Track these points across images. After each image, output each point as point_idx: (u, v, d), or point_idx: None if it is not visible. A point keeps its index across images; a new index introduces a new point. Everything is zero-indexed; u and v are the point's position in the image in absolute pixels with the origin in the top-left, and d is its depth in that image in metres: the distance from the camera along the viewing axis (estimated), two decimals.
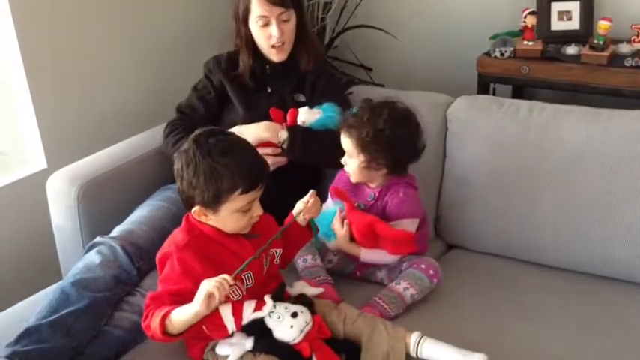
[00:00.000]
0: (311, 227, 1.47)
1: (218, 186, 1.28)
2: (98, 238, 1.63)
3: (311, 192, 1.44)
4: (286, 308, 1.33)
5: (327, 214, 1.56)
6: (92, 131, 2.18)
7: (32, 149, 2.11)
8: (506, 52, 2.23)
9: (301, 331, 1.31)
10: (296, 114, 1.73)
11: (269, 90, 1.86)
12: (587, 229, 1.68)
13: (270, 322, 1.31)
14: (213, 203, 1.30)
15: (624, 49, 2.13)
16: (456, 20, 2.59)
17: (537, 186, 1.72)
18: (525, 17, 2.24)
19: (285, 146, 1.72)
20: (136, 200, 1.80)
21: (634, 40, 2.16)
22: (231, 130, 1.73)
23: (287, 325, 1.31)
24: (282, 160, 1.73)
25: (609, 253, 1.66)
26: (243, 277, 1.34)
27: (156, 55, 2.40)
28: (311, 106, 1.75)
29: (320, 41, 2.64)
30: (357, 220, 1.53)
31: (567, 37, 2.24)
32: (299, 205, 1.43)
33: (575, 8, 2.25)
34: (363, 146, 1.52)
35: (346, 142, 1.56)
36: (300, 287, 1.45)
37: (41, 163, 2.10)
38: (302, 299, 1.39)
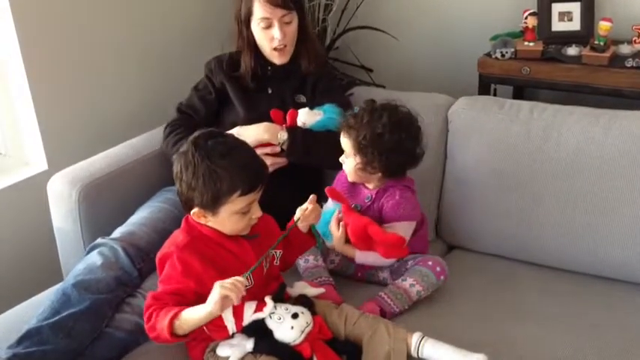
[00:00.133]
0: (313, 234, 1.48)
1: (217, 188, 1.28)
2: (99, 240, 1.63)
3: (311, 198, 1.44)
4: (287, 309, 1.33)
5: (326, 214, 1.57)
6: (93, 133, 2.18)
7: (33, 151, 2.11)
8: (507, 52, 2.23)
9: (302, 332, 1.31)
10: (295, 115, 1.73)
11: (270, 91, 1.86)
12: (589, 229, 1.67)
13: (271, 324, 1.31)
14: (213, 205, 1.30)
15: (625, 49, 2.13)
16: (456, 21, 2.59)
17: (538, 187, 1.72)
18: (526, 18, 2.23)
19: (285, 147, 1.72)
20: (137, 202, 1.80)
21: (635, 40, 2.16)
22: (231, 131, 1.73)
23: (288, 326, 1.31)
24: (281, 161, 1.73)
25: (610, 253, 1.66)
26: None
27: (157, 57, 2.40)
28: (312, 108, 1.75)
29: (321, 43, 2.64)
30: (352, 221, 1.53)
31: (568, 38, 2.24)
32: (299, 212, 1.43)
33: (575, 9, 2.25)
34: (359, 148, 1.52)
35: (345, 141, 1.56)
36: (301, 288, 1.45)
37: (42, 165, 2.10)
38: (303, 300, 1.39)
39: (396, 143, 1.51)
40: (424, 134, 1.80)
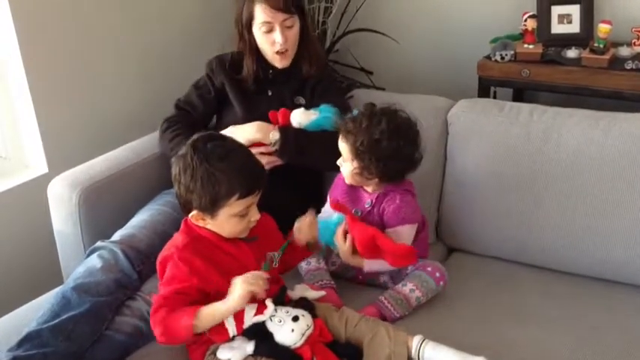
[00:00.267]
0: (308, 246, 1.47)
1: (215, 191, 1.28)
2: (99, 243, 1.63)
3: (308, 212, 1.44)
4: (287, 312, 1.33)
5: (330, 224, 1.56)
6: (93, 135, 2.18)
7: (33, 153, 2.11)
8: (506, 55, 2.23)
9: (302, 334, 1.31)
10: (288, 114, 1.73)
11: (270, 93, 1.86)
12: (589, 231, 1.67)
13: (272, 326, 1.31)
14: (211, 208, 1.30)
15: (625, 52, 2.14)
16: (456, 24, 2.59)
17: (538, 189, 1.72)
18: (526, 20, 2.24)
19: (277, 147, 1.71)
20: (137, 204, 1.80)
21: (634, 43, 2.16)
22: (224, 130, 1.74)
23: (288, 329, 1.31)
24: (276, 160, 1.72)
25: (611, 255, 1.66)
26: None
27: (157, 60, 2.40)
28: (308, 108, 1.75)
29: (321, 45, 2.64)
30: (358, 232, 1.53)
31: (568, 40, 2.24)
32: (298, 226, 1.44)
33: (575, 11, 2.26)
34: (357, 154, 1.52)
35: (342, 146, 1.56)
36: (302, 291, 1.45)
37: (42, 168, 2.10)
38: (303, 303, 1.39)
39: (394, 150, 1.50)
40: (423, 137, 1.80)
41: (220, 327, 1.30)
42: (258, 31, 1.76)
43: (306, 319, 1.33)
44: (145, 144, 1.95)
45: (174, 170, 1.33)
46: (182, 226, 1.39)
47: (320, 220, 1.55)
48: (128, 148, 1.93)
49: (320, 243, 1.56)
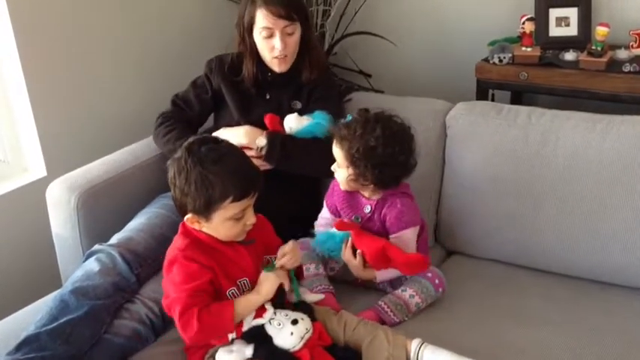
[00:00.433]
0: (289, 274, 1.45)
1: (209, 194, 1.28)
2: (97, 246, 1.63)
3: (290, 243, 1.42)
4: (287, 315, 1.33)
5: (335, 236, 1.56)
6: (92, 139, 2.18)
7: (32, 157, 2.11)
8: (504, 58, 2.23)
9: (302, 338, 1.31)
10: (275, 120, 1.73)
11: (268, 97, 1.86)
12: (588, 234, 1.68)
13: (271, 330, 1.31)
14: (205, 211, 1.31)
15: (622, 54, 2.14)
16: (454, 26, 2.60)
17: (537, 191, 1.72)
18: (523, 23, 2.24)
19: (263, 152, 1.71)
20: (136, 208, 1.80)
21: (632, 45, 2.16)
22: (216, 132, 1.74)
23: (287, 332, 1.31)
24: (263, 165, 1.72)
25: (609, 258, 1.66)
26: (239, 283, 1.34)
27: (155, 63, 2.40)
28: (303, 113, 1.75)
29: (323, 51, 2.64)
30: (367, 246, 1.53)
31: (565, 43, 2.24)
32: (279, 254, 1.42)
33: (573, 14, 2.26)
34: (352, 161, 1.51)
35: (337, 152, 1.55)
36: (300, 294, 1.45)
37: (41, 171, 2.10)
38: (302, 306, 1.39)
39: (389, 157, 1.50)
40: (422, 140, 1.80)
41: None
42: (258, 35, 1.76)
43: (305, 323, 1.33)
44: (144, 147, 1.95)
45: (170, 173, 1.34)
46: (180, 228, 1.39)
47: (322, 233, 1.55)
48: (126, 152, 1.93)
49: (320, 253, 1.57)
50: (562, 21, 2.27)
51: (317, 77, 1.85)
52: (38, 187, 1.92)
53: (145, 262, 1.60)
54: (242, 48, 1.83)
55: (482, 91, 2.31)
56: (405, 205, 1.58)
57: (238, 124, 1.80)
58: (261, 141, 1.70)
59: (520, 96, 2.45)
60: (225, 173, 1.29)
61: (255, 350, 1.29)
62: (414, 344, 1.36)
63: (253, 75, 1.82)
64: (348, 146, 1.51)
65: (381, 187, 1.56)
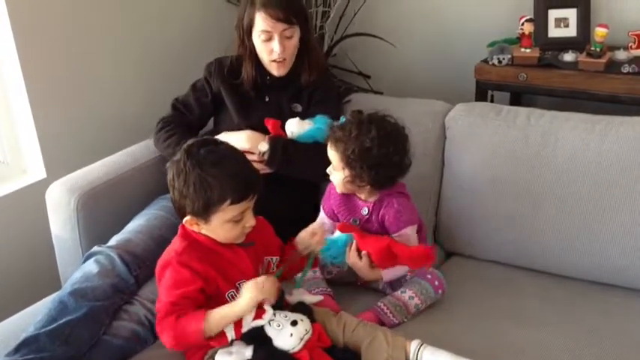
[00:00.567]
0: (307, 261, 1.47)
1: (207, 196, 1.28)
2: (96, 248, 1.63)
3: (317, 225, 1.44)
4: (286, 316, 1.33)
5: (337, 241, 1.55)
6: (91, 141, 2.18)
7: (31, 159, 2.11)
8: (503, 59, 2.23)
9: (301, 339, 1.31)
10: (277, 125, 1.73)
11: (267, 99, 1.86)
12: (587, 235, 1.68)
13: (270, 331, 1.31)
14: (204, 213, 1.31)
15: (621, 55, 2.14)
16: (453, 27, 2.60)
17: (536, 193, 1.72)
18: (523, 24, 2.24)
19: (265, 157, 1.71)
20: (135, 209, 1.80)
21: (631, 46, 2.17)
22: (216, 137, 1.74)
23: (287, 333, 1.31)
24: (265, 169, 1.72)
25: (608, 259, 1.66)
26: (238, 286, 1.34)
27: (155, 65, 2.40)
28: (304, 118, 1.75)
29: (323, 54, 2.65)
30: (372, 246, 1.53)
31: (564, 44, 2.24)
32: (305, 237, 1.44)
33: (572, 15, 2.26)
34: (348, 162, 1.51)
35: (332, 154, 1.55)
36: (300, 295, 1.45)
37: (40, 173, 2.10)
38: (301, 308, 1.39)
39: (385, 157, 1.50)
40: (422, 140, 1.82)
41: (219, 331, 1.30)
42: (257, 38, 1.76)
43: (304, 324, 1.33)
44: (143, 149, 1.96)
45: (169, 175, 1.34)
46: (179, 230, 1.39)
47: (327, 238, 1.53)
48: (126, 154, 1.93)
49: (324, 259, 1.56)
50: (561, 22, 2.27)
51: (316, 79, 1.84)
52: (38, 189, 1.92)
53: (143, 264, 1.60)
54: (241, 50, 1.82)
55: (482, 92, 2.31)
56: (402, 204, 1.58)
57: (238, 126, 1.80)
58: (263, 146, 1.71)
59: (519, 97, 2.45)
60: (224, 176, 1.28)
61: (255, 351, 1.29)
62: (413, 345, 1.36)
63: (252, 78, 1.82)
64: (343, 148, 1.51)
65: (378, 187, 1.57)
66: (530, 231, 1.74)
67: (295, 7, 1.75)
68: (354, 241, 1.55)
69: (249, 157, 1.67)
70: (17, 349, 1.41)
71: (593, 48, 2.13)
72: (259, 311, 1.32)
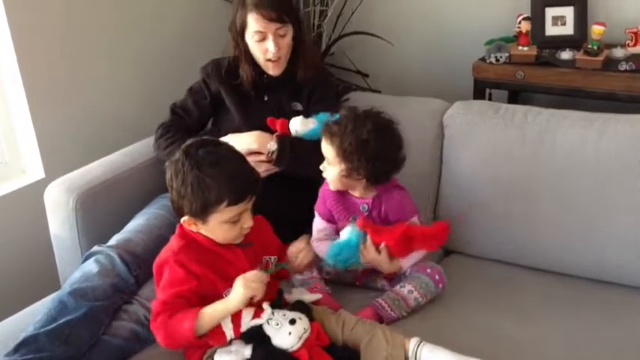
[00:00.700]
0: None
1: (205, 197, 1.28)
2: (95, 247, 1.63)
3: (304, 237, 1.44)
4: (284, 315, 1.33)
5: (349, 242, 1.53)
6: (90, 140, 2.18)
7: (30, 159, 2.11)
8: (501, 57, 2.24)
9: (300, 337, 1.31)
10: (286, 124, 1.73)
11: (266, 99, 1.86)
12: (586, 233, 1.68)
13: (269, 330, 1.31)
14: (202, 214, 1.31)
15: (618, 53, 2.15)
16: (451, 26, 2.60)
17: (534, 190, 1.73)
18: (520, 23, 2.24)
19: (274, 157, 1.72)
20: (134, 209, 1.80)
21: (628, 44, 2.17)
22: (223, 138, 1.74)
23: (285, 332, 1.31)
24: (273, 168, 1.73)
25: (608, 257, 1.66)
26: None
27: (153, 65, 2.40)
28: (306, 116, 1.76)
29: (318, 51, 2.65)
30: (389, 236, 1.52)
31: (562, 42, 2.25)
32: (293, 252, 1.44)
33: (569, 13, 2.26)
34: (345, 156, 1.52)
35: (327, 149, 1.55)
36: (298, 294, 1.45)
37: (39, 173, 2.10)
38: (300, 306, 1.39)
39: (381, 150, 1.51)
40: (420, 139, 1.82)
41: (218, 331, 1.30)
42: (250, 39, 1.76)
43: (303, 323, 1.33)
44: (141, 148, 1.95)
45: (168, 175, 1.34)
46: (177, 229, 1.39)
47: (332, 245, 1.53)
48: (124, 153, 1.93)
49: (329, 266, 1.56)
50: (558, 20, 2.28)
51: (313, 76, 1.85)
52: (36, 189, 1.92)
53: (143, 264, 1.60)
54: (237, 52, 1.83)
55: (480, 91, 2.32)
56: (402, 195, 1.60)
57: (239, 126, 1.80)
58: (272, 145, 1.71)
59: (517, 95, 2.45)
60: (222, 177, 1.28)
61: (254, 350, 1.29)
62: (412, 343, 1.36)
63: (252, 77, 1.83)
64: (339, 142, 1.52)
65: (373, 181, 1.57)
66: (528, 229, 1.74)
67: (286, 5, 1.76)
68: (368, 237, 1.54)
69: (258, 157, 1.69)
70: (16, 349, 1.41)
71: (590, 46, 2.14)
72: (258, 310, 1.33)
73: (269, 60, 1.77)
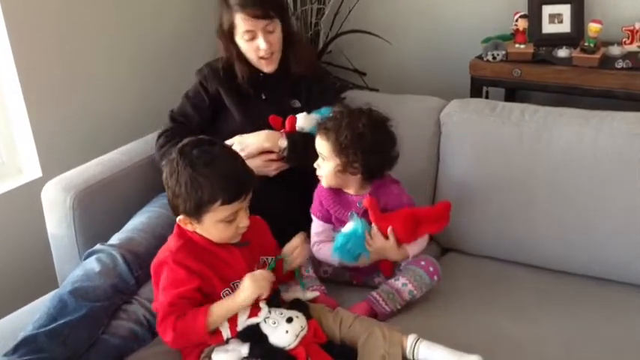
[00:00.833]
0: (295, 275, 1.48)
1: (198, 196, 1.28)
2: (98, 246, 1.62)
3: (299, 235, 1.44)
4: (281, 314, 1.34)
5: (355, 231, 1.52)
6: (87, 139, 2.18)
7: (27, 158, 2.11)
8: (498, 55, 2.24)
9: (297, 336, 1.31)
10: (294, 121, 1.74)
11: (264, 97, 1.86)
12: (583, 230, 1.68)
13: (266, 328, 1.32)
14: (196, 213, 1.31)
15: (615, 51, 2.15)
16: (448, 24, 2.60)
17: (531, 188, 1.73)
18: (517, 20, 2.25)
19: (285, 154, 1.72)
20: (131, 207, 1.80)
21: (625, 42, 2.17)
22: (232, 139, 1.74)
23: (282, 330, 1.31)
24: (283, 165, 1.74)
25: (605, 254, 1.67)
26: (232, 285, 1.35)
27: (149, 63, 2.40)
28: (309, 112, 1.76)
29: (314, 47, 2.65)
30: (395, 219, 1.54)
31: (558, 40, 2.25)
32: (288, 250, 1.44)
33: (566, 11, 2.27)
34: (340, 150, 1.52)
35: (322, 144, 1.55)
36: (295, 292, 1.45)
37: (36, 172, 2.10)
38: (297, 304, 1.39)
39: (377, 143, 1.52)
40: (417, 137, 1.83)
41: (215, 330, 1.31)
42: (240, 39, 1.76)
43: (300, 321, 1.34)
44: (139, 147, 1.95)
45: (164, 174, 1.35)
46: (175, 228, 1.39)
47: (338, 235, 1.53)
48: (121, 152, 1.93)
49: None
50: (555, 18, 2.28)
51: (307, 70, 1.84)
52: (33, 188, 1.92)
53: (144, 264, 1.58)
54: (228, 54, 1.82)
55: (477, 89, 2.32)
56: (399, 188, 1.62)
57: (241, 125, 1.79)
58: (283, 142, 1.72)
59: (514, 93, 2.45)
60: (215, 176, 1.28)
61: (251, 349, 1.30)
62: (409, 340, 1.37)
63: (249, 76, 1.82)
64: (335, 136, 1.52)
65: (368, 176, 1.57)
66: (525, 226, 1.74)
67: (271, 0, 1.75)
68: (373, 225, 1.55)
69: (270, 156, 1.70)
70: (16, 349, 1.41)
71: (587, 44, 2.14)
72: (254, 309, 1.33)
73: (262, 57, 1.77)
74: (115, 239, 1.65)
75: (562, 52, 2.19)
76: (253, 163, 1.69)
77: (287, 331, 1.31)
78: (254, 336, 1.31)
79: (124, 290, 1.56)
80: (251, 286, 1.30)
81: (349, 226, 1.54)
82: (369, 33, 2.63)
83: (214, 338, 1.32)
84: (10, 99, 2.04)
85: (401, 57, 2.74)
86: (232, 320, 1.31)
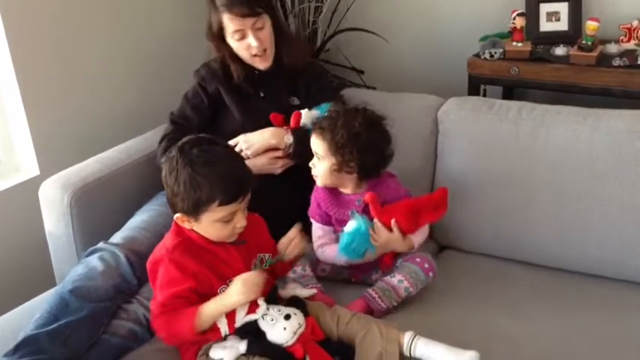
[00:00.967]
0: (292, 263, 1.49)
1: (196, 196, 1.28)
2: (101, 244, 1.62)
3: (296, 226, 1.44)
4: (279, 311, 1.34)
5: (359, 228, 1.52)
6: (84, 137, 2.18)
7: (24, 156, 2.11)
8: (495, 53, 2.24)
9: (294, 333, 1.32)
10: (299, 117, 1.74)
11: (262, 95, 1.86)
12: (580, 228, 1.68)
13: (264, 325, 1.32)
14: (194, 212, 1.31)
15: (612, 49, 2.15)
16: (446, 22, 2.61)
17: (528, 186, 1.73)
18: (514, 18, 2.25)
19: (291, 150, 1.72)
20: (130, 205, 1.80)
21: (622, 40, 2.18)
22: (237, 138, 1.74)
23: (280, 327, 1.31)
24: (289, 162, 1.74)
25: (602, 251, 1.67)
26: (229, 283, 1.35)
27: (145, 63, 2.40)
28: (310, 108, 1.76)
29: (311, 45, 2.65)
30: (397, 211, 1.54)
31: (556, 38, 2.25)
32: (284, 242, 1.44)
33: (563, 9, 2.27)
34: (336, 149, 1.52)
35: (318, 144, 1.56)
36: (293, 289, 1.45)
37: (34, 170, 2.10)
38: (295, 301, 1.39)
39: (372, 142, 1.53)
40: (415, 135, 1.83)
41: (213, 326, 1.31)
42: (231, 39, 1.76)
43: (298, 318, 1.34)
44: (137, 145, 1.95)
45: (163, 172, 1.34)
46: (173, 226, 1.39)
47: (344, 233, 1.53)
48: (119, 150, 1.93)
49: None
50: (552, 16, 2.28)
51: (301, 60, 1.84)
52: (31, 186, 1.91)
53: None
54: (220, 55, 1.82)
55: (474, 87, 2.32)
56: (396, 182, 1.62)
57: (242, 124, 1.79)
58: (289, 138, 1.72)
59: (511, 91, 2.46)
60: (214, 176, 1.28)
61: (249, 346, 1.30)
62: (406, 337, 1.37)
63: (244, 75, 1.82)
64: (330, 136, 1.53)
65: (364, 175, 1.58)
66: (523, 224, 1.75)
67: None
68: (375, 220, 1.55)
69: (276, 153, 1.70)
70: (16, 349, 1.40)
71: (584, 42, 2.14)
72: (252, 306, 1.33)
73: (255, 55, 1.77)
74: (117, 237, 1.65)
75: (559, 50, 2.20)
76: (259, 161, 1.70)
77: (285, 328, 1.31)
78: (252, 333, 1.31)
79: (125, 291, 1.55)
80: (242, 292, 1.29)
81: (352, 225, 1.54)
82: (367, 31, 2.63)
83: (212, 335, 1.32)
84: (7, 98, 2.04)
85: (399, 55, 2.74)
86: (230, 317, 1.31)
